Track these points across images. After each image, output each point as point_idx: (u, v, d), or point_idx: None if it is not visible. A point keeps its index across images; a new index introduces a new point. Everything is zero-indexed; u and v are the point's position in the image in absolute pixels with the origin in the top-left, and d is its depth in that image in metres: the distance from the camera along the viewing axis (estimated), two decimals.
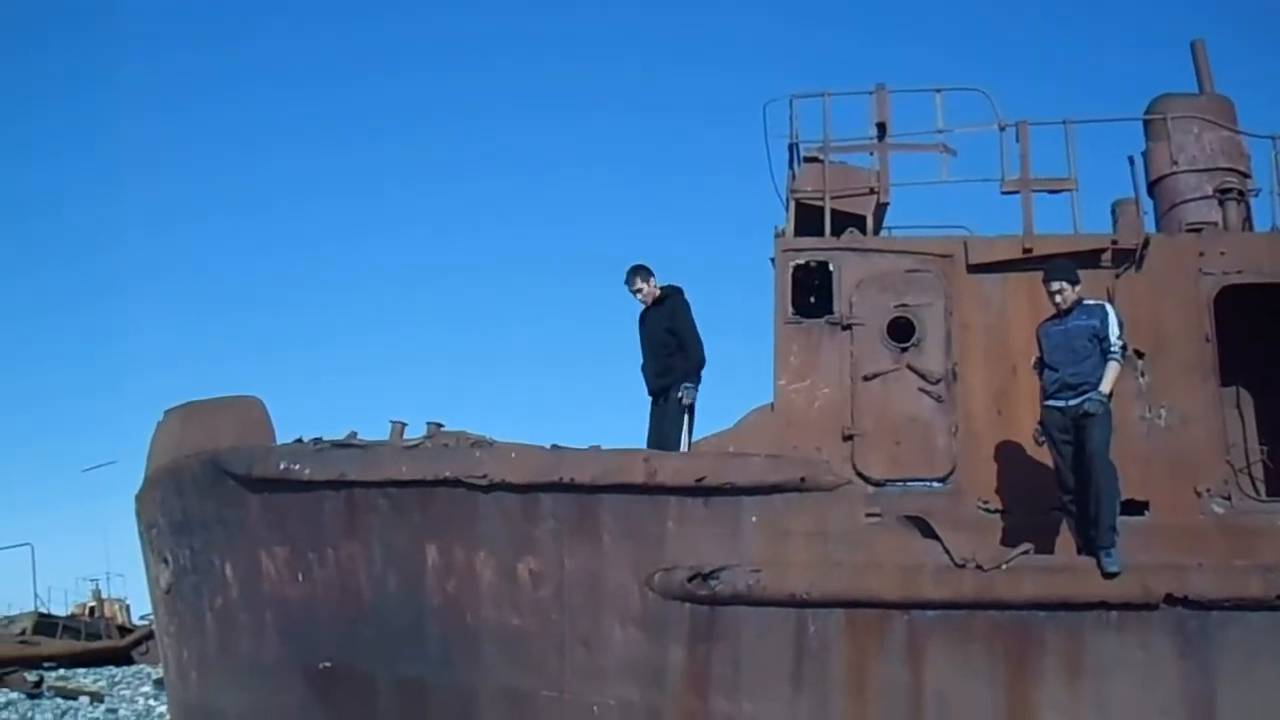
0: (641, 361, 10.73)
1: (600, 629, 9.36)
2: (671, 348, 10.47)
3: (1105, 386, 8.79)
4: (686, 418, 10.41)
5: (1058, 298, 9.10)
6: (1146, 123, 11.16)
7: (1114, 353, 8.84)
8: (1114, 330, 8.87)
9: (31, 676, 28.28)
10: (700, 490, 9.27)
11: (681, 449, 10.25)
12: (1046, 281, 9.16)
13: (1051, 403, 8.98)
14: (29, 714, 22.27)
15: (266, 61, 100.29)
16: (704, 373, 10.59)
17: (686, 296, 10.63)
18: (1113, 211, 10.98)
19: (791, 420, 9.78)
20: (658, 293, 10.63)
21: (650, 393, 10.64)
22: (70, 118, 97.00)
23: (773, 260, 10.27)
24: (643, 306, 10.74)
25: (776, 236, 10.37)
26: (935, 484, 9.62)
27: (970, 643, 8.90)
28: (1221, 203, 10.59)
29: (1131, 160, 10.94)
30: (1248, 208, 10.80)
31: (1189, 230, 10.46)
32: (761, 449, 9.55)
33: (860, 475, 9.53)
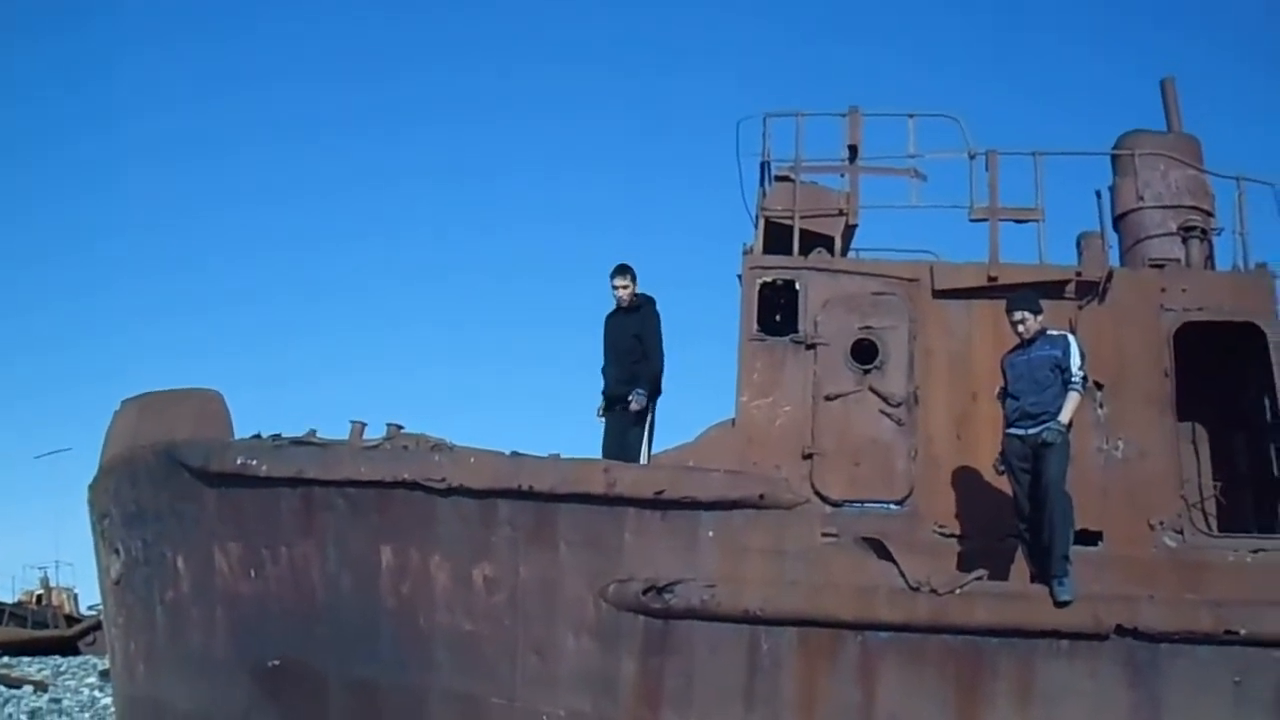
0: (603, 364, 10.77)
1: (553, 638, 9.35)
2: (637, 355, 10.52)
3: (1064, 416, 8.86)
4: (646, 428, 10.45)
5: (1020, 327, 9.18)
6: (1114, 158, 11.28)
7: (1075, 383, 8.92)
8: (1075, 361, 8.95)
9: None
10: (658, 503, 9.28)
11: (641, 459, 10.28)
12: (1009, 311, 9.25)
13: (1012, 431, 9.05)
14: None
15: (251, 60, 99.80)
16: (665, 384, 10.68)
17: (658, 309, 10.68)
18: (1078, 244, 11.10)
19: (752, 437, 9.80)
20: (635, 298, 10.67)
21: (607, 396, 10.68)
22: (60, 112, 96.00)
23: (740, 276, 10.30)
24: (613, 308, 10.78)
25: (745, 253, 10.40)
26: (893, 506, 9.66)
27: (922, 665, 8.94)
28: (1185, 240, 10.70)
29: (1099, 194, 11.05)
30: (1210, 246, 10.90)
31: (1152, 265, 10.57)
32: (721, 464, 9.57)
33: (819, 494, 9.57)
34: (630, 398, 10.32)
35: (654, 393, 10.57)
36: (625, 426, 10.45)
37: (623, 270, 10.70)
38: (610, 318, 10.84)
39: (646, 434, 10.49)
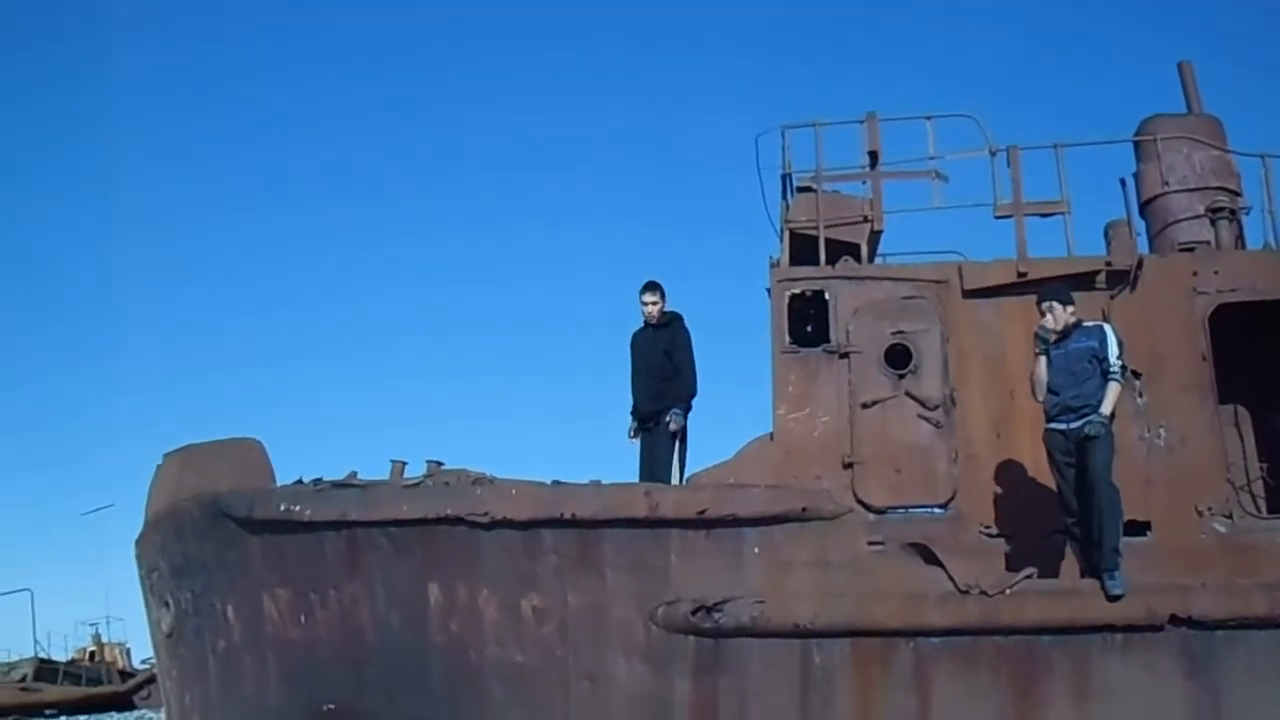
0: (632, 380, 10.76)
1: (605, 664, 9.33)
2: (667, 372, 10.51)
3: (1106, 408, 8.80)
4: (678, 445, 10.43)
5: (1046, 316, 9.13)
6: (1136, 144, 11.22)
7: (1114, 373, 8.86)
8: (1113, 351, 8.89)
9: None
10: (702, 523, 9.26)
11: (673, 477, 10.26)
12: (1038, 303, 9.21)
13: (1053, 425, 9.00)
14: None
15: (256, 62, 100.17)
16: (696, 403, 10.64)
17: (687, 325, 10.68)
18: (1105, 233, 11.03)
19: (791, 450, 9.78)
20: (664, 315, 10.68)
21: (639, 414, 10.66)
22: (59, 120, 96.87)
23: (768, 290, 10.29)
24: (641, 324, 10.78)
25: (772, 267, 10.40)
26: (936, 510, 9.63)
27: (976, 669, 8.88)
28: (1213, 222, 10.63)
29: (1123, 182, 11.02)
30: (1240, 226, 10.83)
31: (1182, 250, 10.51)
32: (761, 479, 9.55)
33: (861, 503, 9.54)
34: (668, 418, 10.31)
35: (687, 410, 10.55)
36: (660, 444, 10.45)
37: (652, 287, 10.70)
38: (638, 334, 10.84)
39: (680, 451, 10.47)
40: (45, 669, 38.82)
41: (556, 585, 9.42)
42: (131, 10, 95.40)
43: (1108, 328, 9.09)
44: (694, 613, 9.11)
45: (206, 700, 11.74)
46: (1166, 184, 10.98)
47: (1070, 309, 9.15)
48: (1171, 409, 9.69)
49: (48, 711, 33.01)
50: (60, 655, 42.44)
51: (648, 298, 10.68)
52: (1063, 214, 10.22)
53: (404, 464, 10.52)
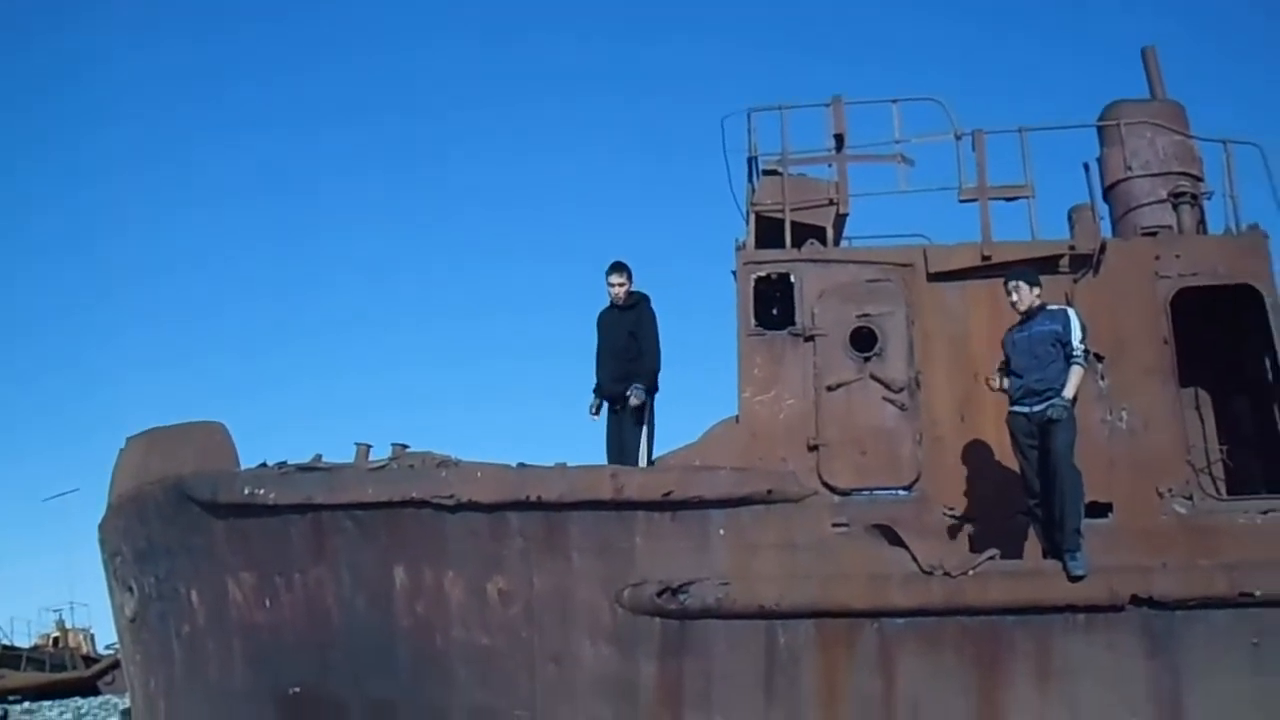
0: (597, 359, 10.79)
1: (571, 646, 9.35)
2: (633, 353, 10.53)
3: (1069, 391, 8.86)
4: (645, 426, 10.45)
5: (1013, 295, 9.19)
6: (1100, 129, 11.29)
7: (1077, 357, 8.91)
8: (1076, 334, 8.95)
9: None
10: (667, 505, 9.28)
11: (640, 457, 10.28)
12: (1004, 283, 9.27)
13: (1016, 408, 9.06)
14: None
15: (250, 55, 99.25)
16: (662, 384, 10.68)
17: (653, 306, 10.69)
18: (1069, 217, 11.08)
19: (756, 432, 9.81)
20: (630, 295, 10.70)
21: (604, 394, 10.68)
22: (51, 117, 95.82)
23: (734, 273, 10.31)
24: (606, 305, 10.81)
25: (737, 249, 10.41)
26: (901, 492, 9.67)
27: (940, 649, 8.94)
28: (1175, 206, 10.72)
29: (1086, 166, 11.09)
30: (1201, 211, 10.91)
31: (1145, 234, 10.60)
32: (727, 462, 9.57)
33: (826, 485, 9.58)
34: (629, 393, 10.33)
35: (651, 389, 10.57)
36: (626, 425, 10.47)
37: (619, 268, 10.72)
38: (604, 314, 10.87)
39: (646, 431, 10.49)
40: (8, 655, 38.50)
41: (522, 567, 9.43)
42: (126, 9, 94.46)
43: (1071, 312, 9.15)
44: (660, 594, 9.13)
45: (171, 685, 11.70)
46: (1129, 169, 11.05)
47: (1036, 290, 9.20)
48: (1133, 392, 9.77)
49: (11, 697, 32.74)
50: (23, 641, 42.14)
51: (614, 279, 10.69)
52: (1027, 198, 10.28)
53: (369, 447, 10.51)
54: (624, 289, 10.67)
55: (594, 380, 10.77)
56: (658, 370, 10.59)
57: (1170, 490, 9.50)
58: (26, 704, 31.62)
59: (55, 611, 46.06)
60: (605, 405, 10.67)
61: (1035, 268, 9.55)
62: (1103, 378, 9.76)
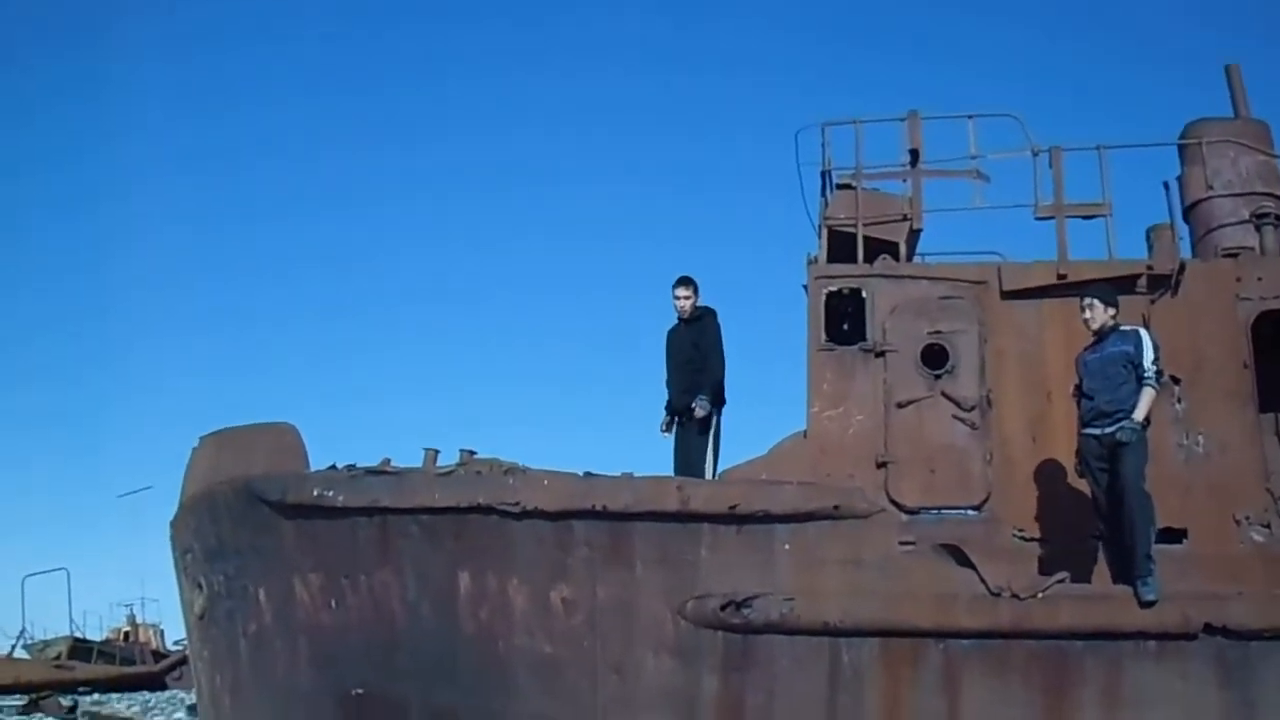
0: (667, 375, 10.79)
1: (633, 657, 9.33)
2: (698, 364, 10.51)
3: (1139, 413, 8.71)
4: (712, 439, 10.42)
5: (1086, 314, 9.06)
6: (1181, 147, 11.11)
7: (1149, 378, 8.77)
8: (1148, 356, 8.80)
9: (66, 701, 28.41)
10: (733, 518, 9.24)
11: (706, 468, 10.26)
12: (1080, 299, 9.15)
13: (1088, 430, 8.92)
14: None
15: (275, 72, 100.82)
16: (727, 395, 10.66)
17: (719, 320, 10.69)
18: (1148, 237, 10.94)
19: (825, 447, 9.74)
20: (696, 309, 10.68)
21: (674, 410, 10.68)
22: (68, 129, 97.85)
23: (805, 287, 10.25)
24: (675, 321, 10.79)
25: (809, 263, 10.35)
26: (970, 512, 9.55)
27: (1007, 672, 8.82)
28: (1258, 227, 10.49)
29: (1167, 185, 10.85)
30: None
31: (1225, 255, 10.41)
32: (795, 476, 9.52)
33: (894, 503, 9.48)
34: (694, 405, 10.31)
35: (717, 401, 10.55)
36: (691, 437, 10.45)
37: (685, 281, 10.71)
38: (672, 330, 10.87)
39: (713, 443, 10.46)
40: (79, 648, 39.26)
41: (586, 577, 9.43)
42: (137, 23, 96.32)
43: (1144, 332, 9.00)
44: (723, 608, 9.09)
45: (237, 682, 11.84)
46: (1211, 188, 10.88)
47: (1111, 311, 9.06)
48: (1211, 416, 9.58)
49: (80, 689, 33.30)
50: (95, 635, 42.94)
51: (680, 292, 10.69)
52: (1104, 216, 10.12)
53: (437, 452, 10.57)
54: (690, 302, 10.67)
55: (666, 397, 10.77)
56: (722, 381, 10.56)
57: (1248, 518, 9.29)
58: (96, 696, 32.14)
59: (126, 607, 47.01)
60: (675, 421, 10.66)
61: (1112, 287, 9.39)
62: (1179, 401, 9.58)
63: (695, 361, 10.53)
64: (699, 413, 10.31)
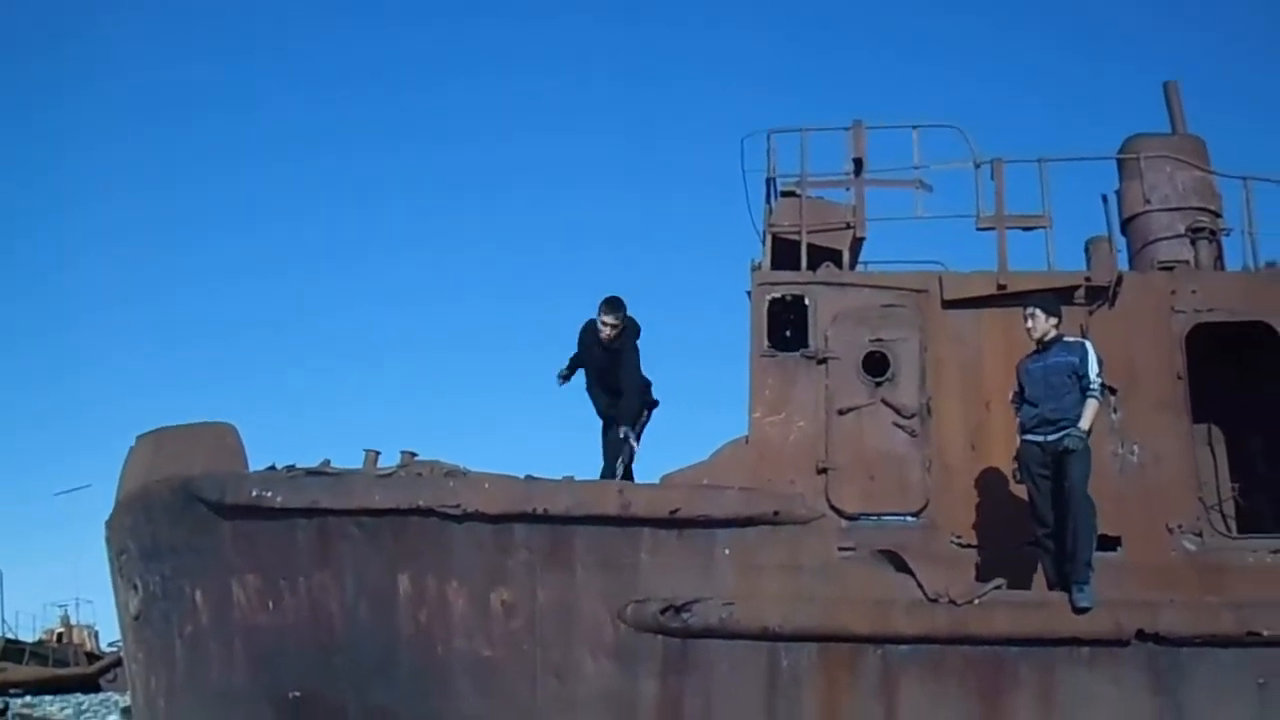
0: (585, 370, 10.73)
1: (572, 660, 9.32)
2: (615, 390, 10.51)
3: (1085, 423, 8.83)
4: (627, 449, 10.38)
5: (1029, 322, 9.17)
6: (1120, 162, 11.26)
7: (1093, 390, 8.89)
8: (1093, 368, 8.92)
9: None
10: (674, 522, 9.27)
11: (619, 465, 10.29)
12: (1024, 309, 9.27)
13: (1030, 437, 9.02)
14: None
15: (252, 76, 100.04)
16: (659, 399, 10.75)
17: (638, 334, 10.54)
18: (1086, 249, 11.08)
19: (765, 453, 9.78)
20: (617, 338, 10.44)
21: (600, 414, 10.69)
22: (38, 133, 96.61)
23: (749, 293, 10.30)
24: (591, 321, 10.57)
25: (753, 269, 10.40)
26: (909, 518, 9.63)
27: (943, 677, 8.90)
28: (1194, 241, 10.68)
29: (1105, 199, 11.05)
30: (1219, 247, 10.86)
31: (1161, 268, 10.55)
32: (735, 481, 9.55)
33: (834, 509, 9.54)
34: (623, 436, 10.29)
35: (642, 412, 10.59)
36: (615, 444, 10.45)
37: (614, 306, 10.40)
38: (592, 343, 10.58)
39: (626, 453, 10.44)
40: (11, 649, 38.63)
41: (526, 580, 9.42)
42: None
43: (1089, 344, 9.12)
44: (663, 612, 9.11)
45: (172, 684, 11.70)
46: (1148, 202, 11.03)
47: (1054, 320, 9.18)
48: (1146, 426, 9.72)
49: (12, 691, 32.77)
50: (28, 636, 42.26)
51: (608, 318, 10.35)
52: (1044, 228, 10.25)
53: (378, 454, 10.52)
54: (615, 331, 10.38)
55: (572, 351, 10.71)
56: (638, 411, 10.53)
57: (1180, 526, 9.44)
58: (28, 698, 31.66)
59: (60, 607, 46.26)
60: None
61: (1054, 298, 9.51)
62: (1115, 411, 9.71)
63: (613, 386, 10.48)
64: (632, 446, 10.33)
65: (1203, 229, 10.69)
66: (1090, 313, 9.92)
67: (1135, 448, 9.69)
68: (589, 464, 10.69)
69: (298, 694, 10.25)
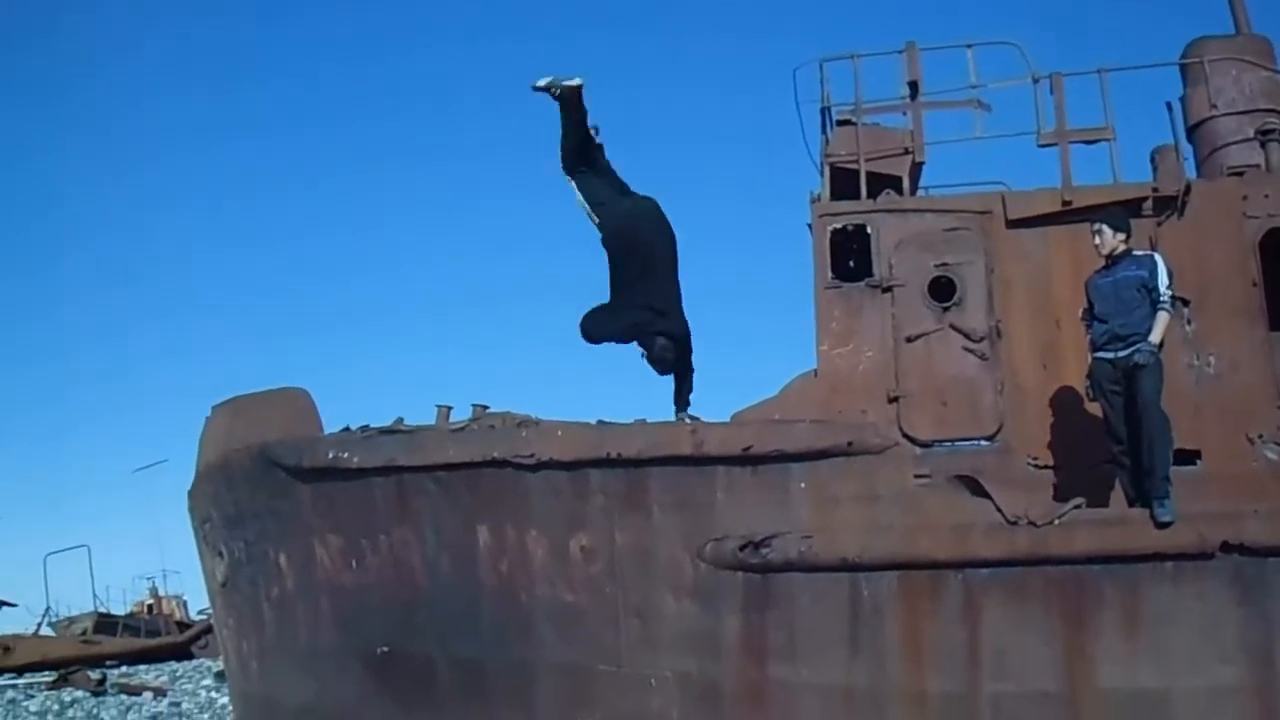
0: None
1: (654, 602, 9.38)
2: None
3: (1155, 337, 8.70)
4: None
5: (1096, 239, 9.02)
6: (1183, 67, 11.01)
7: (1163, 303, 8.75)
8: (1163, 280, 8.78)
9: (95, 675, 28.62)
10: (748, 459, 9.26)
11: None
12: (1091, 225, 9.13)
13: (1100, 354, 8.91)
14: (95, 711, 22.58)
15: (283, 42, 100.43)
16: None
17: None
18: (1152, 159, 10.84)
19: (836, 385, 9.74)
20: None
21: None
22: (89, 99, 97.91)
23: (810, 226, 10.22)
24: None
25: (812, 202, 10.31)
26: (983, 442, 9.56)
27: (1026, 600, 8.84)
28: (1263, 144, 10.41)
29: (1170, 106, 10.80)
30: None
31: (1231, 174, 10.34)
32: (806, 415, 9.52)
33: (907, 437, 9.49)
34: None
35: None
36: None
37: None
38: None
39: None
40: (105, 622, 39.50)
41: (604, 524, 9.47)
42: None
43: (1158, 257, 8.97)
44: (742, 548, 9.13)
45: (263, 647, 11.93)
46: (1214, 107, 10.80)
47: (1122, 235, 9.02)
48: (1221, 336, 9.56)
49: (108, 663, 33.54)
50: (119, 609, 43.21)
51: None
52: (1108, 141, 10.04)
53: (450, 409, 10.60)
54: None
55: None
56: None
57: (1260, 436, 9.29)
58: (124, 669, 32.40)
59: (148, 580, 47.24)
60: None
61: (1121, 211, 9.35)
62: (1189, 322, 9.56)
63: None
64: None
65: (1272, 131, 10.41)
66: (1159, 224, 9.74)
67: (1211, 359, 9.53)
68: (657, 409, 10.64)
69: (385, 649, 10.41)
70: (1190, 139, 11.03)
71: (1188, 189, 9.76)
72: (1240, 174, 10.26)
